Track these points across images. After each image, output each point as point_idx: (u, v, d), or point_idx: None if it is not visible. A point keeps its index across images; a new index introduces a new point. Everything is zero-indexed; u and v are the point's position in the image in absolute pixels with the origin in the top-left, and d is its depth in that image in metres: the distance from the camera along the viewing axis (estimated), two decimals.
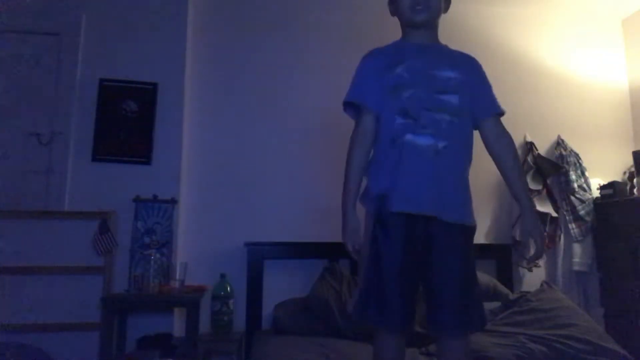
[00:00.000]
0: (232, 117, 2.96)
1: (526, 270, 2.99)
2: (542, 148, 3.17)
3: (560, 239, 3.02)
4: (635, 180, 2.98)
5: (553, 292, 2.56)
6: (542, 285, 2.67)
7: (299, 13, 3.14)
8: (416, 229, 1.39)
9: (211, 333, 2.59)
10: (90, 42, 2.76)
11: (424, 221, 1.39)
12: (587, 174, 3.10)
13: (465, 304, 1.39)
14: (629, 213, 2.82)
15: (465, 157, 1.50)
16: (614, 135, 3.30)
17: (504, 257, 2.98)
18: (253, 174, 2.91)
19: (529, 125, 3.19)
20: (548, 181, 3.04)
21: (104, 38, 2.78)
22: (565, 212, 3.02)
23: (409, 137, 1.41)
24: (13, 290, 2.41)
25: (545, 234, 2.98)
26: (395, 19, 1.60)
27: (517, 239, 2.92)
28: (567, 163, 3.06)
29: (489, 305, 2.50)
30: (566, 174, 3.04)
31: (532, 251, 1.52)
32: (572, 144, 3.15)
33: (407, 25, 1.56)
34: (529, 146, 3.10)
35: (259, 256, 2.75)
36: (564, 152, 3.10)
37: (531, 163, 3.04)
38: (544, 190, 3.02)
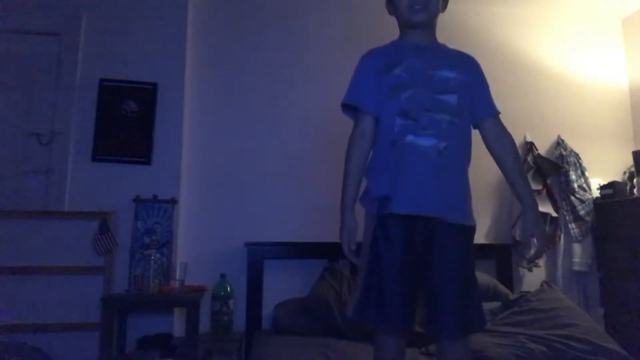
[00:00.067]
0: (232, 117, 2.96)
1: (526, 270, 2.98)
2: (542, 148, 3.18)
3: (560, 239, 3.02)
4: (635, 180, 2.98)
5: (553, 292, 2.56)
6: (542, 285, 2.67)
7: (299, 13, 3.14)
8: (416, 230, 1.39)
9: (211, 333, 2.59)
10: (90, 42, 2.76)
11: (424, 222, 1.39)
12: (587, 174, 3.10)
13: (465, 304, 1.39)
14: (629, 213, 2.82)
15: (465, 156, 1.50)
16: (614, 135, 3.30)
17: (504, 257, 2.98)
18: (253, 174, 2.91)
19: (529, 125, 3.19)
20: (548, 181, 3.04)
21: (104, 38, 2.78)
22: (565, 212, 3.02)
23: (410, 138, 1.41)
24: (13, 290, 2.41)
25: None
26: (395, 19, 1.60)
27: (517, 239, 2.92)
28: (567, 163, 3.06)
29: (489, 305, 2.50)
30: (566, 174, 3.04)
31: (532, 251, 1.52)
32: (572, 144, 3.15)
33: (405, 25, 1.55)
34: (529, 146, 3.10)
35: (259, 256, 2.75)
36: (564, 152, 3.10)
37: (531, 163, 3.04)
38: (544, 190, 3.02)
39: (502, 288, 2.69)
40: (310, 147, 2.94)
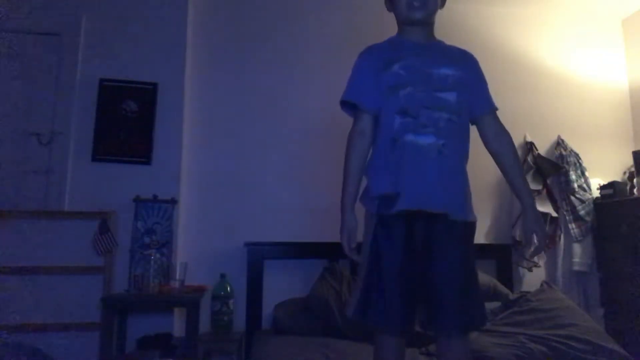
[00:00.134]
0: (232, 117, 2.96)
1: (526, 270, 2.98)
2: (542, 148, 3.18)
3: (560, 239, 3.02)
4: (635, 180, 2.98)
5: (553, 292, 2.56)
6: (542, 285, 2.67)
7: (299, 13, 3.14)
8: (417, 228, 1.40)
9: (211, 333, 2.59)
10: (90, 42, 2.76)
11: (424, 220, 1.39)
12: (587, 174, 3.10)
13: (465, 302, 1.39)
14: (629, 213, 2.82)
15: (464, 153, 1.50)
16: (614, 135, 3.30)
17: (504, 257, 2.98)
18: (253, 174, 2.91)
19: (529, 125, 3.19)
20: (548, 181, 3.04)
21: (104, 38, 2.78)
22: (565, 212, 3.02)
23: (410, 137, 1.41)
24: (13, 290, 2.41)
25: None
26: (393, 17, 1.59)
27: (517, 239, 2.92)
28: (567, 163, 3.06)
29: (489, 305, 2.50)
30: (566, 174, 3.04)
31: (532, 248, 1.52)
32: (572, 144, 3.15)
33: (404, 23, 1.55)
34: (529, 146, 3.10)
35: (259, 256, 2.75)
36: (564, 152, 3.10)
37: (531, 163, 3.04)
38: (544, 190, 3.02)
39: (502, 288, 2.69)
40: (310, 147, 2.94)
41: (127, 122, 2.71)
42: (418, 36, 1.53)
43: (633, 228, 2.76)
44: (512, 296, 2.60)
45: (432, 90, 1.44)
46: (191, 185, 2.83)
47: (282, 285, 2.73)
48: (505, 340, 2.13)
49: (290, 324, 2.41)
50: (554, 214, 2.99)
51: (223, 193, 2.87)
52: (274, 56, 3.05)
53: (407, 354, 1.74)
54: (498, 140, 1.53)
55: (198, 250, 2.76)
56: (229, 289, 2.64)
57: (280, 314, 2.48)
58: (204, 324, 2.56)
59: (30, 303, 2.41)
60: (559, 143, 3.16)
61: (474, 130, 1.55)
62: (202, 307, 2.42)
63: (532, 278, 2.96)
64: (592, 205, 3.02)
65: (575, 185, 3.02)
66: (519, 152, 3.08)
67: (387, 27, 1.72)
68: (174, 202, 2.66)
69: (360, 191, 1.51)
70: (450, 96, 1.45)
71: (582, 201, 3.00)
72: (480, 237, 2.97)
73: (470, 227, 1.47)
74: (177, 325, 2.57)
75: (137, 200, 2.61)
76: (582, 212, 2.98)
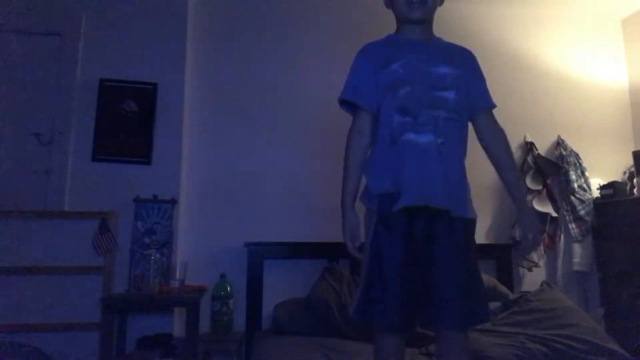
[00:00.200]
0: (232, 116, 2.96)
1: (526, 270, 2.98)
2: (542, 148, 3.17)
3: (560, 239, 3.02)
4: (635, 180, 2.97)
5: (553, 292, 2.56)
6: (542, 285, 2.67)
7: (298, 12, 3.14)
8: (418, 226, 1.39)
9: (211, 333, 2.59)
10: (90, 42, 2.76)
11: (425, 218, 1.39)
12: (587, 174, 3.10)
13: (467, 300, 1.39)
14: (629, 213, 2.82)
15: (463, 151, 1.51)
16: (614, 135, 3.30)
17: (504, 257, 2.98)
18: (253, 174, 2.91)
19: (529, 125, 3.19)
20: (548, 181, 3.04)
21: (104, 38, 2.78)
22: (565, 212, 3.02)
23: (409, 136, 1.41)
24: (13, 290, 2.41)
25: (545, 234, 2.99)
26: (392, 14, 1.59)
27: (517, 239, 2.92)
28: (567, 163, 3.06)
29: (489, 306, 2.50)
30: (566, 174, 3.04)
31: (530, 243, 1.53)
32: (572, 144, 3.15)
33: (403, 21, 1.55)
34: (529, 146, 3.10)
35: (259, 256, 2.75)
36: (564, 152, 3.10)
37: (531, 163, 3.04)
38: (544, 190, 3.02)
39: (502, 288, 2.69)
40: (310, 146, 2.94)
41: (127, 122, 2.71)
42: (417, 34, 1.53)
43: (633, 228, 2.76)
44: (512, 296, 2.60)
45: (431, 89, 1.44)
46: (191, 185, 2.83)
47: (282, 285, 2.73)
48: (505, 340, 2.13)
49: (290, 324, 2.41)
50: (554, 214, 2.99)
51: (223, 193, 2.87)
52: (274, 56, 3.05)
53: (407, 354, 1.74)
54: (492, 136, 1.54)
55: (198, 250, 2.76)
56: (229, 289, 2.64)
57: (280, 314, 2.48)
58: (204, 324, 2.56)
59: (30, 303, 2.41)
60: (559, 143, 3.16)
61: (472, 129, 1.56)
62: (202, 307, 2.42)
63: (532, 278, 2.96)
64: (592, 205, 3.02)
65: (575, 185, 3.02)
66: (519, 152, 3.13)
67: (386, 24, 1.71)
68: (174, 202, 2.66)
69: (360, 190, 1.52)
70: (449, 95, 1.46)
71: (582, 201, 3.00)
72: (480, 237, 2.97)
73: (471, 223, 1.47)
74: (177, 325, 2.57)
75: (137, 200, 2.61)
76: (582, 212, 2.98)
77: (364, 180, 1.51)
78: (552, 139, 3.21)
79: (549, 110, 3.27)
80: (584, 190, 3.04)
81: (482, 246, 2.85)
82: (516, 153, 3.14)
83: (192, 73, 2.91)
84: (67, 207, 2.59)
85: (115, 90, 2.72)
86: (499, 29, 3.33)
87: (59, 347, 2.37)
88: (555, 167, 3.05)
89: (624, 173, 3.15)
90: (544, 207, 2.97)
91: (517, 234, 2.92)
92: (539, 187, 3.01)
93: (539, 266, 2.98)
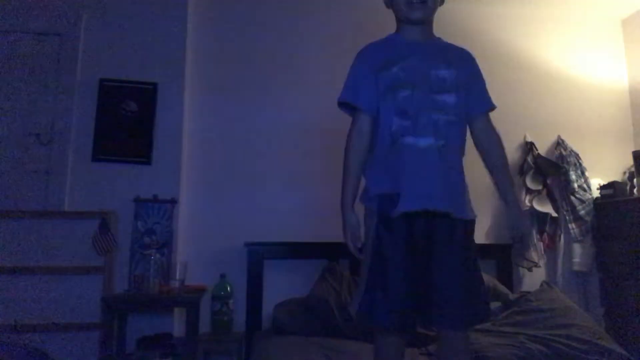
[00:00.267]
0: (232, 116, 2.96)
1: (526, 270, 2.98)
2: (542, 148, 3.17)
3: (560, 239, 3.02)
4: (635, 180, 2.97)
5: (553, 292, 2.56)
6: (542, 285, 2.67)
7: (299, 12, 3.14)
8: (418, 227, 1.40)
9: (211, 333, 2.59)
10: (90, 42, 2.77)
11: (425, 219, 1.40)
12: (587, 174, 3.10)
13: (468, 299, 1.40)
14: (629, 213, 2.82)
15: (462, 152, 1.52)
16: (614, 135, 3.30)
17: (504, 257, 2.98)
18: (253, 174, 2.91)
19: (529, 125, 3.19)
20: (548, 181, 3.04)
21: (104, 38, 2.78)
22: (565, 212, 3.02)
23: (409, 139, 1.41)
24: (13, 290, 2.41)
25: (545, 234, 2.99)
26: (392, 14, 1.59)
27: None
28: (567, 163, 3.06)
29: (490, 305, 2.50)
30: (566, 174, 3.04)
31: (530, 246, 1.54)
32: (572, 144, 3.15)
33: (403, 21, 1.54)
34: (529, 146, 3.10)
35: (259, 256, 2.75)
36: (564, 152, 3.10)
37: (531, 163, 3.04)
38: (544, 190, 3.02)
39: (502, 288, 2.69)
40: (310, 146, 2.94)
41: (127, 122, 2.71)
42: (417, 35, 1.53)
43: (633, 228, 2.76)
44: (512, 296, 2.60)
45: (431, 93, 1.44)
46: (191, 185, 2.83)
47: (282, 285, 2.73)
48: (505, 340, 2.13)
49: (290, 324, 2.41)
50: (554, 214, 2.99)
51: (223, 193, 2.87)
52: (274, 56, 3.05)
53: (407, 354, 1.74)
54: (489, 139, 1.54)
55: (198, 250, 2.76)
56: (229, 289, 2.64)
57: (280, 314, 2.48)
58: (204, 324, 2.55)
59: (30, 303, 2.41)
60: (559, 143, 3.16)
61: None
62: (202, 307, 2.42)
63: (532, 278, 2.96)
64: (592, 205, 3.02)
65: (575, 185, 3.02)
66: (519, 152, 3.13)
67: (386, 23, 1.70)
68: (174, 202, 2.66)
69: (359, 191, 1.52)
70: (449, 98, 1.46)
71: (582, 201, 3.00)
72: (480, 237, 2.97)
73: (471, 224, 1.48)
74: (177, 325, 2.57)
75: (137, 200, 2.61)
76: (582, 212, 2.98)
77: (363, 181, 1.51)
78: (552, 139, 3.21)
79: (549, 110, 3.27)
80: (584, 190, 3.04)
81: (482, 246, 2.85)
82: (516, 153, 3.15)
83: (192, 73, 2.91)
84: (67, 207, 2.59)
85: (115, 90, 2.72)
86: (499, 29, 3.33)
87: (59, 347, 2.37)
88: (555, 167, 3.05)
89: (624, 173, 3.15)
90: (544, 207, 2.97)
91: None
92: (539, 187, 3.01)
93: (539, 266, 2.98)
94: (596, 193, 3.08)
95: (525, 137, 3.15)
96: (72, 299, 2.45)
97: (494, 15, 3.33)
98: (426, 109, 1.43)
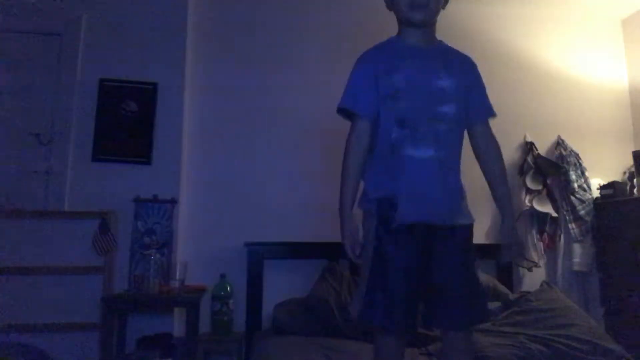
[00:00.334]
0: (232, 116, 2.96)
1: (526, 270, 2.98)
2: (542, 148, 3.17)
3: (560, 239, 3.02)
4: (635, 180, 2.98)
5: (553, 292, 2.56)
6: (542, 285, 2.67)
7: (299, 12, 3.14)
8: (418, 230, 1.40)
9: (211, 333, 2.59)
10: (90, 42, 2.76)
11: (425, 224, 1.41)
12: (587, 174, 3.10)
13: (469, 299, 1.41)
14: (629, 213, 2.82)
15: (459, 160, 1.51)
16: (614, 135, 3.30)
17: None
18: (253, 174, 2.91)
19: (529, 125, 3.19)
20: (548, 181, 3.04)
21: (104, 38, 2.78)
22: (565, 212, 3.02)
23: (409, 151, 1.41)
24: (13, 290, 2.41)
25: (545, 234, 2.99)
26: (394, 14, 1.57)
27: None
28: (567, 163, 3.06)
29: (489, 306, 2.50)
30: (566, 174, 3.04)
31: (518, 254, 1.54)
32: (572, 144, 3.15)
33: (404, 23, 1.52)
34: (529, 146, 3.10)
35: (259, 256, 2.75)
36: (564, 152, 3.10)
37: (531, 163, 3.04)
38: (544, 190, 3.02)
39: (502, 288, 2.69)
40: (310, 146, 2.93)
41: (127, 122, 2.71)
42: (418, 39, 1.51)
43: (633, 228, 2.76)
44: (512, 296, 2.60)
45: (431, 104, 1.44)
46: (191, 185, 2.83)
47: (282, 285, 2.72)
48: (505, 340, 2.13)
49: (290, 324, 2.41)
50: (554, 214, 2.99)
51: (223, 193, 2.87)
52: (275, 56, 3.05)
53: (407, 354, 1.74)
54: (488, 147, 1.54)
55: (198, 250, 2.76)
56: (229, 289, 2.64)
57: (280, 314, 2.47)
58: (204, 324, 2.55)
59: (30, 303, 2.41)
60: (559, 143, 3.16)
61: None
62: (202, 307, 2.42)
63: (532, 278, 2.96)
64: (592, 205, 3.02)
65: (575, 185, 3.02)
66: (519, 152, 3.13)
67: (387, 25, 1.70)
68: (174, 202, 2.66)
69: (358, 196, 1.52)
70: (450, 108, 1.45)
71: (582, 201, 3.00)
72: (480, 237, 2.97)
73: (469, 228, 1.49)
74: (177, 325, 2.57)
75: (137, 200, 2.61)
76: (582, 212, 2.98)
77: (361, 186, 1.52)
78: (552, 139, 3.21)
79: (549, 110, 3.27)
80: (584, 190, 3.04)
81: (482, 246, 2.86)
82: (516, 153, 3.15)
83: (192, 73, 2.91)
84: (67, 207, 2.59)
85: (115, 90, 2.72)
86: (499, 29, 3.33)
87: (59, 347, 2.37)
88: (555, 167, 3.05)
89: (624, 173, 3.15)
90: (544, 207, 2.97)
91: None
92: (539, 187, 3.01)
93: (539, 266, 2.98)
94: (596, 193, 3.08)
95: (525, 137, 3.15)
96: (72, 299, 2.45)
97: (494, 15, 3.33)
98: (426, 119, 1.42)
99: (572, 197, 3.01)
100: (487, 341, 2.10)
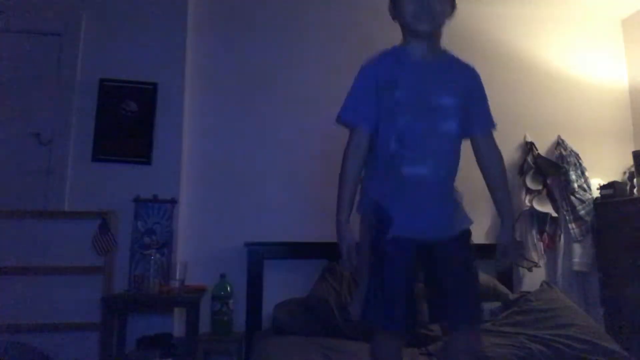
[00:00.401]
0: (232, 116, 2.96)
1: (526, 270, 2.98)
2: (542, 148, 3.17)
3: (560, 239, 3.02)
4: (635, 180, 2.98)
5: (553, 292, 2.56)
6: (542, 285, 2.67)
7: (299, 11, 3.14)
8: (418, 238, 1.42)
9: (211, 333, 2.59)
10: (90, 42, 2.76)
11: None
12: (587, 174, 3.10)
13: (473, 293, 1.44)
14: (629, 213, 2.82)
15: (456, 172, 1.51)
16: (614, 135, 3.30)
17: None
18: (253, 174, 2.91)
19: (529, 125, 3.19)
20: (548, 181, 3.03)
21: (104, 38, 2.78)
22: (565, 212, 3.02)
23: (407, 168, 1.41)
24: (13, 290, 2.41)
25: (545, 234, 2.99)
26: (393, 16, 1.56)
27: (517, 239, 2.92)
28: (567, 163, 3.06)
29: (489, 305, 2.50)
30: (566, 174, 3.04)
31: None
32: (572, 144, 3.15)
33: (409, 34, 1.47)
34: (529, 146, 3.10)
35: (259, 256, 2.75)
36: (564, 152, 3.10)
37: (531, 163, 3.04)
38: (544, 190, 3.02)
39: (502, 288, 2.69)
40: (310, 146, 2.93)
41: (127, 122, 2.71)
42: (423, 51, 1.46)
43: (633, 228, 2.76)
44: (512, 296, 2.60)
45: (432, 120, 1.42)
46: (191, 185, 2.83)
47: (282, 285, 2.72)
48: (505, 340, 2.13)
49: (290, 324, 2.41)
50: (554, 214, 2.99)
51: (223, 193, 2.87)
52: (274, 56, 3.05)
53: (407, 354, 1.74)
54: (490, 158, 1.53)
55: (198, 250, 2.76)
56: (229, 289, 2.64)
57: (280, 314, 2.47)
58: (204, 324, 2.55)
59: (30, 303, 2.41)
60: (559, 143, 3.16)
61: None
62: (202, 307, 2.42)
63: (532, 278, 2.96)
64: (592, 205, 3.02)
65: (575, 185, 3.02)
66: (519, 152, 3.13)
67: (389, 27, 1.69)
68: (174, 202, 2.66)
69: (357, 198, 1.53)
70: (450, 125, 1.44)
71: (582, 201, 3.00)
72: (480, 237, 2.96)
73: (468, 232, 1.50)
74: (177, 325, 2.57)
75: (137, 200, 2.61)
76: (582, 212, 2.98)
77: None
78: (552, 139, 3.21)
79: (549, 110, 3.27)
80: (584, 190, 3.04)
81: (482, 246, 2.84)
82: (516, 153, 3.15)
83: (192, 73, 2.91)
84: (67, 207, 2.59)
85: (115, 90, 2.72)
86: (499, 29, 3.33)
87: (59, 347, 2.37)
88: (555, 167, 3.05)
89: (624, 173, 3.15)
90: (544, 207, 2.97)
91: (517, 234, 2.91)
92: (539, 187, 3.01)
93: (539, 266, 2.98)
94: (596, 193, 3.08)
95: (525, 137, 3.15)
96: (72, 299, 2.45)
97: (494, 15, 3.33)
98: (426, 137, 1.42)
99: (572, 197, 3.01)
100: (487, 341, 2.09)
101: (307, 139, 2.94)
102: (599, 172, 3.17)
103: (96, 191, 2.61)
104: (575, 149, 3.13)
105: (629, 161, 3.08)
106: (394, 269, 1.39)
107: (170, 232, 2.63)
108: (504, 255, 1.55)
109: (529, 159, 3.05)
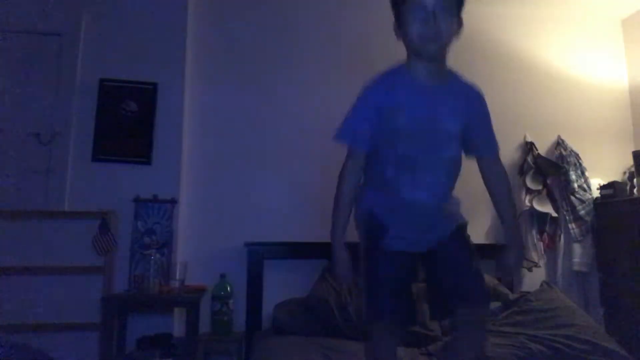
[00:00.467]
0: (232, 117, 2.96)
1: (526, 270, 2.98)
2: (542, 148, 3.17)
3: (560, 239, 3.02)
4: (635, 180, 2.97)
5: (553, 292, 2.56)
6: (542, 285, 2.67)
7: (301, 13, 3.13)
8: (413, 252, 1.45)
9: (211, 333, 2.59)
10: (90, 42, 2.76)
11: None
12: (587, 174, 3.10)
13: (481, 279, 1.45)
14: (629, 213, 2.82)
15: (454, 186, 1.52)
16: (614, 135, 3.30)
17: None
18: (253, 174, 2.91)
19: (529, 125, 3.19)
20: (548, 181, 3.04)
21: (104, 38, 2.78)
22: (565, 212, 3.02)
23: (405, 192, 1.41)
24: (13, 290, 2.41)
25: (545, 234, 2.99)
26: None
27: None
28: (567, 163, 3.06)
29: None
30: (566, 174, 3.04)
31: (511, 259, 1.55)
32: (572, 144, 3.15)
33: (413, 54, 1.42)
34: (529, 146, 3.10)
35: (259, 256, 2.75)
36: (564, 152, 3.09)
37: (531, 163, 3.04)
38: (544, 190, 3.02)
39: (502, 288, 2.69)
40: (310, 146, 2.93)
41: (127, 122, 2.71)
42: (427, 72, 1.41)
43: (633, 228, 2.76)
44: (512, 296, 2.60)
45: (434, 146, 1.41)
46: (191, 185, 2.83)
47: (282, 285, 2.72)
48: (505, 340, 2.13)
49: (290, 324, 2.41)
50: (554, 214, 2.99)
51: (223, 193, 2.87)
52: (275, 56, 3.05)
53: (407, 354, 1.74)
54: (497, 180, 1.54)
55: (198, 250, 2.76)
56: (229, 289, 2.64)
57: (280, 314, 2.48)
58: (204, 324, 2.55)
59: (30, 303, 2.41)
60: (559, 143, 3.16)
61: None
62: (202, 307, 2.42)
63: (532, 278, 2.96)
64: (592, 205, 3.02)
65: (575, 185, 3.02)
66: (519, 152, 3.13)
67: (387, 21, 1.68)
68: (174, 202, 2.66)
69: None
70: (452, 151, 1.45)
71: (582, 201, 3.00)
72: (480, 237, 2.97)
73: (464, 227, 1.52)
74: (177, 325, 2.57)
75: (137, 200, 2.61)
76: (582, 212, 2.98)
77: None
78: (552, 139, 3.21)
79: (549, 110, 3.26)
80: (584, 190, 3.04)
81: (482, 246, 2.85)
82: (516, 153, 3.15)
83: (192, 73, 2.91)
84: (67, 207, 2.59)
85: (115, 90, 2.72)
86: (499, 29, 3.32)
87: (59, 347, 2.36)
88: (555, 167, 3.05)
89: (624, 173, 3.15)
90: (544, 207, 2.97)
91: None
92: (539, 187, 3.01)
93: (539, 266, 2.98)
94: (596, 193, 3.08)
95: (525, 137, 3.15)
96: (72, 299, 2.45)
97: (494, 15, 3.33)
98: (427, 163, 1.41)
99: (572, 197, 3.01)
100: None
101: (307, 139, 2.94)
102: (599, 172, 3.17)
103: (96, 191, 2.62)
104: (575, 149, 3.13)
105: (629, 161, 3.08)
106: (389, 268, 1.40)
107: (170, 232, 2.63)
108: (508, 275, 1.57)
109: (529, 159, 3.05)
